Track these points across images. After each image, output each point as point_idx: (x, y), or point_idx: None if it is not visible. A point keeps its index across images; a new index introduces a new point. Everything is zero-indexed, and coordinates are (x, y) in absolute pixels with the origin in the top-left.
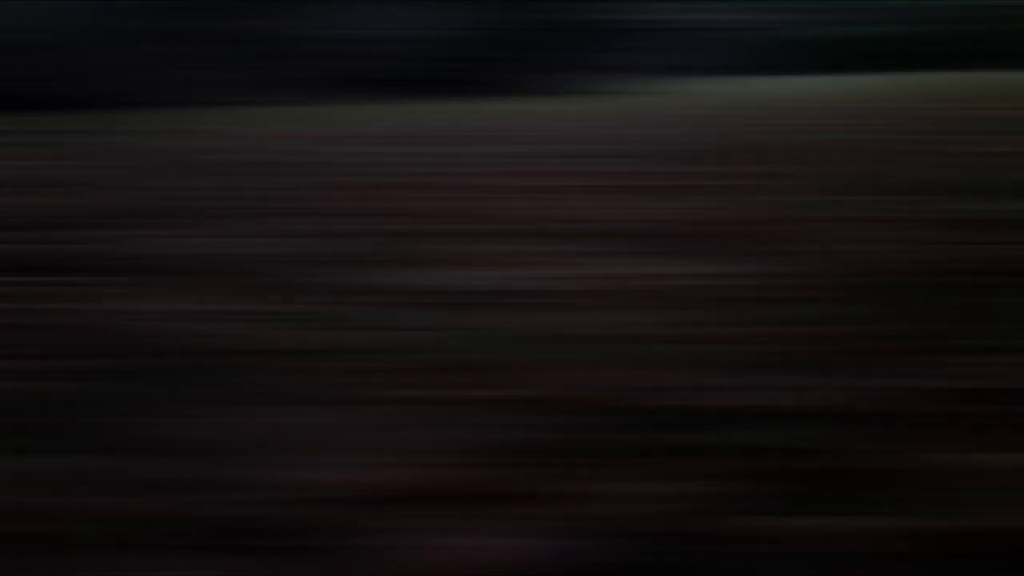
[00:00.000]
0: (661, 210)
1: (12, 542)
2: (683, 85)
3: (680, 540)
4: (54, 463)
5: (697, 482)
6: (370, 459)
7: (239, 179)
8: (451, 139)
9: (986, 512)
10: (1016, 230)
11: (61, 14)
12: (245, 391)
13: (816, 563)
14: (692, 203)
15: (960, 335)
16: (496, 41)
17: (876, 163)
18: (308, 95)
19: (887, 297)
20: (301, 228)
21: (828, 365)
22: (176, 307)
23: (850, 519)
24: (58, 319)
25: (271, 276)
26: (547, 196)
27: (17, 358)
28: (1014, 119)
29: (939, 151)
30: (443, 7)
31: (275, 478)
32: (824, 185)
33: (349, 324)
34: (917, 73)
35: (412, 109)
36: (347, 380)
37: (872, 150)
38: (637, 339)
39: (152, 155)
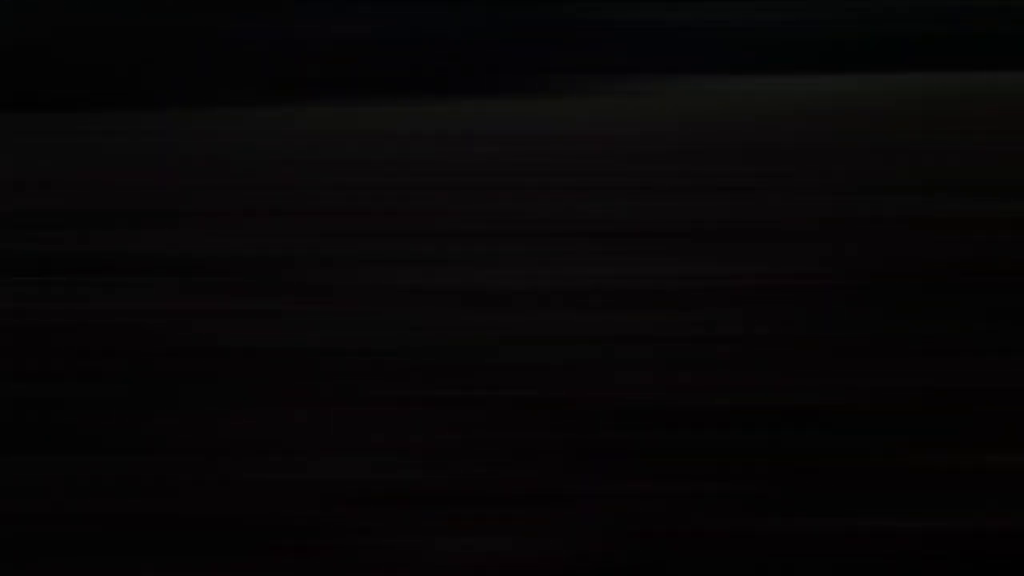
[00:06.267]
0: (661, 210)
1: (12, 542)
2: (683, 85)
3: (681, 540)
4: (54, 463)
5: (697, 482)
6: (370, 459)
7: (239, 180)
8: (451, 139)
9: (985, 512)
10: (1017, 230)
11: (62, 15)
12: (242, 391)
13: (816, 563)
14: (692, 203)
15: (961, 335)
16: (497, 42)
17: (877, 163)
18: (308, 96)
19: (889, 297)
20: (301, 228)
21: (830, 365)
22: (177, 307)
23: (850, 519)
24: (58, 320)
25: (271, 276)
26: (547, 196)
27: (18, 358)
28: (1014, 119)
29: (939, 151)
30: (443, 8)
31: (275, 478)
32: (826, 185)
33: (349, 324)
34: (918, 74)
35: (412, 110)
36: (347, 380)
37: (872, 150)
38: (638, 339)
39: (152, 155)
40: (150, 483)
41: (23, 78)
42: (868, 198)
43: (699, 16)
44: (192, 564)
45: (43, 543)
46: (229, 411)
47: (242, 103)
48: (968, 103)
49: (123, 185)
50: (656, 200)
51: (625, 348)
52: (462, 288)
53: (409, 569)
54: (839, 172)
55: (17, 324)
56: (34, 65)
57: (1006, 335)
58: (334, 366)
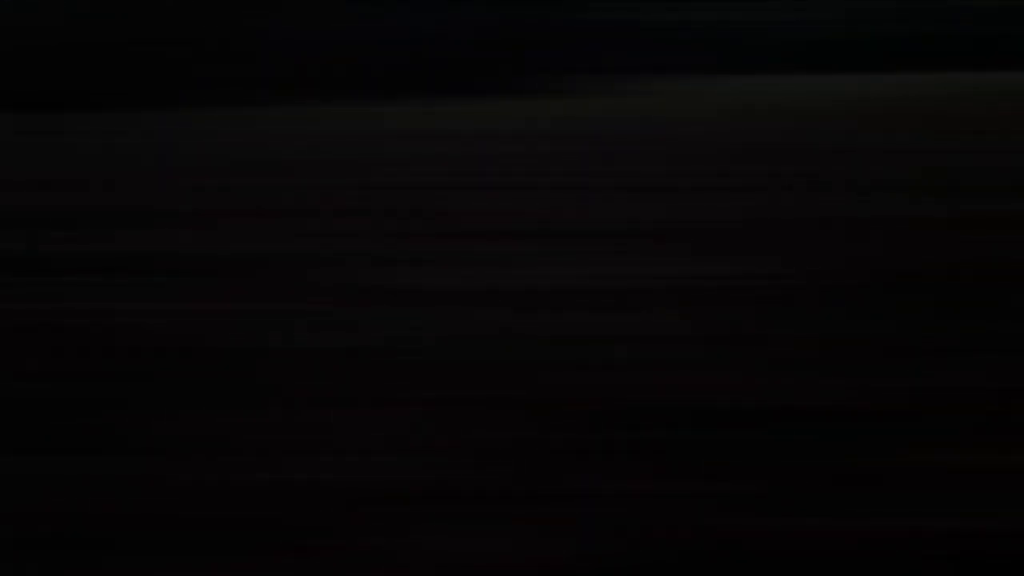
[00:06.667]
0: (661, 210)
1: (12, 542)
2: (682, 85)
3: (681, 540)
4: (54, 463)
5: (697, 482)
6: (370, 459)
7: (239, 180)
8: (450, 139)
9: (986, 512)
10: (1017, 230)
11: (62, 15)
12: (243, 391)
13: (816, 563)
14: (690, 203)
15: (960, 335)
16: (496, 41)
17: (876, 163)
18: (308, 96)
19: (888, 297)
20: (302, 228)
21: (829, 365)
22: (178, 307)
23: (850, 519)
24: (59, 320)
25: (271, 276)
26: (546, 196)
27: (18, 358)
28: (1013, 119)
29: (938, 151)
30: (442, 8)
31: (275, 478)
32: (825, 186)
33: (348, 324)
34: (918, 73)
35: (412, 110)
36: (346, 380)
37: (873, 150)
38: (637, 339)
39: (152, 155)
40: (150, 483)
41: (23, 78)
42: (867, 198)
43: (699, 17)
44: (192, 564)
45: (42, 543)
46: (229, 411)
47: (243, 103)
48: (967, 103)
49: (124, 185)
50: (655, 200)
51: (624, 348)
52: (460, 288)
53: (409, 569)
54: (840, 172)
55: (16, 324)
56: (35, 65)
57: (1007, 335)
58: (333, 366)
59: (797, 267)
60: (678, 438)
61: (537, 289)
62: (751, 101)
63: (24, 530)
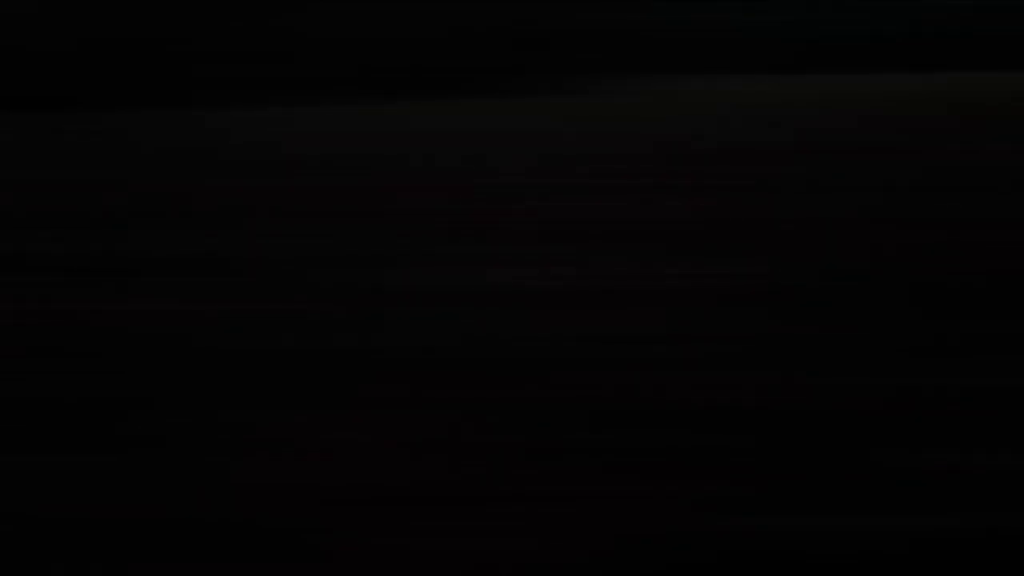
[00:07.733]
0: (658, 210)
1: (12, 542)
2: (680, 85)
3: (679, 540)
4: (54, 463)
5: (694, 482)
6: (369, 459)
7: (239, 180)
8: (450, 140)
9: (985, 512)
10: (1016, 230)
11: (61, 14)
12: (246, 391)
13: (815, 563)
14: (689, 203)
15: (958, 335)
16: (495, 42)
17: (875, 163)
18: (308, 95)
19: (884, 297)
20: (302, 228)
21: (826, 365)
22: (177, 307)
23: (850, 519)
24: (58, 319)
25: (270, 276)
26: (545, 197)
27: (17, 358)
28: (1011, 119)
29: (938, 151)
30: (441, 8)
31: (274, 479)
32: (823, 185)
33: (348, 324)
34: (917, 73)
35: (411, 110)
36: (346, 381)
37: (872, 150)
38: (635, 339)
39: (154, 155)
40: (147, 484)
41: (23, 77)
42: (861, 198)
43: (699, 16)
44: (191, 564)
45: (40, 544)
46: (228, 412)
47: (246, 103)
48: (960, 103)
49: (124, 185)
50: (652, 200)
51: (622, 348)
52: (454, 288)
53: (408, 569)
54: (838, 172)
55: (15, 324)
56: (35, 65)
57: (1004, 335)
58: (332, 366)
59: (795, 268)
60: (676, 439)
61: (537, 290)
62: (749, 101)
63: (20, 530)
